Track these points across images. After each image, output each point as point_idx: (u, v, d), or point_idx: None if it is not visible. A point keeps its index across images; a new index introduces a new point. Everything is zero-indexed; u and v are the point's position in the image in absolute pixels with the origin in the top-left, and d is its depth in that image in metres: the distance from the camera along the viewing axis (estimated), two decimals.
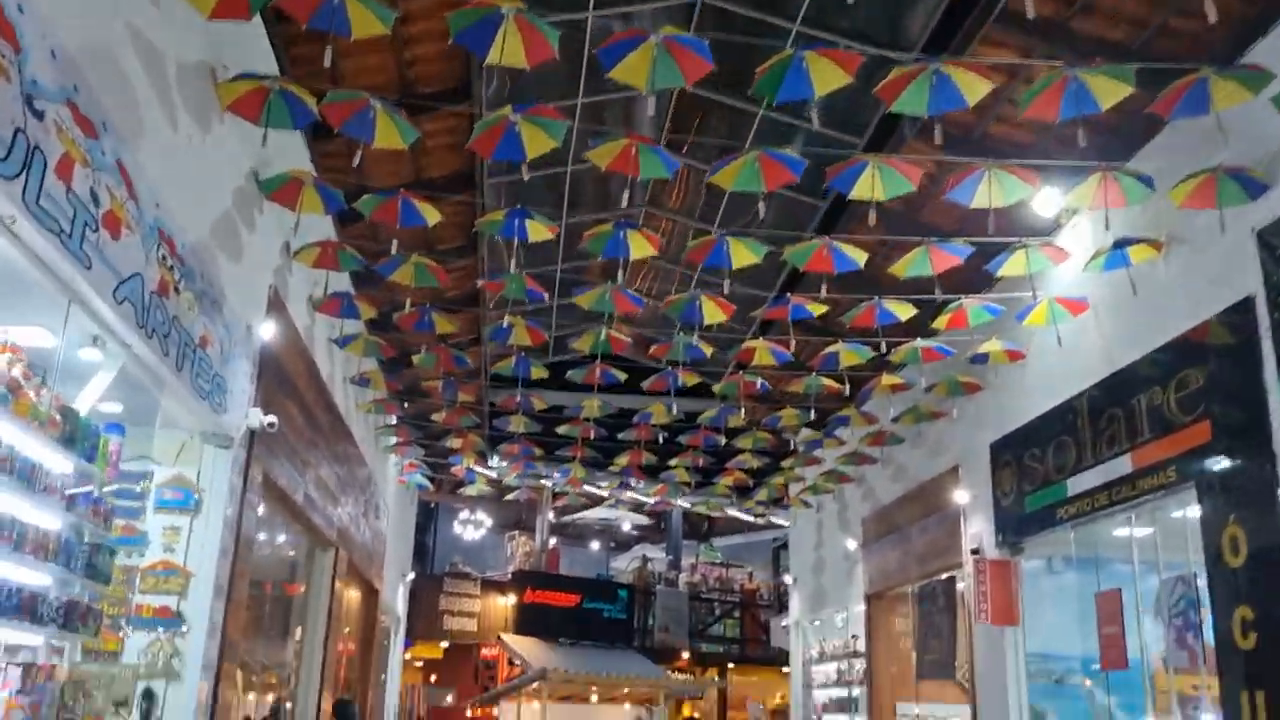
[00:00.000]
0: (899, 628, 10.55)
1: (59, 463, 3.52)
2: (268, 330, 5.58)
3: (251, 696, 8.01)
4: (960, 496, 8.56)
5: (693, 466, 10.90)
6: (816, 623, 13.49)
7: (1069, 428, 6.93)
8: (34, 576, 3.42)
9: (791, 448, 11.91)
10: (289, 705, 8.05)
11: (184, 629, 4.95)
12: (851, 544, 11.44)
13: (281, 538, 7.64)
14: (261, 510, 6.04)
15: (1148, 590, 6.58)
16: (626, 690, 17.11)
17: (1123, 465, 6.27)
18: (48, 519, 3.46)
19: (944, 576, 9.05)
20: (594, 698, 17.30)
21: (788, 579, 14.42)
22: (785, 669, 23.68)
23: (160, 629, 4.92)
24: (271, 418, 5.49)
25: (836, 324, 7.23)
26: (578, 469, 11.20)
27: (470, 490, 13.43)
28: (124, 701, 4.81)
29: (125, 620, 4.91)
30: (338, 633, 9.06)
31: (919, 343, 7.28)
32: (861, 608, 11.33)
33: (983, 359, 7.43)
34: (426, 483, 13.51)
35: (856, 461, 10.66)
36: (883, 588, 10.58)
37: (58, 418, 3.45)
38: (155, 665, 4.87)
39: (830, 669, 12.59)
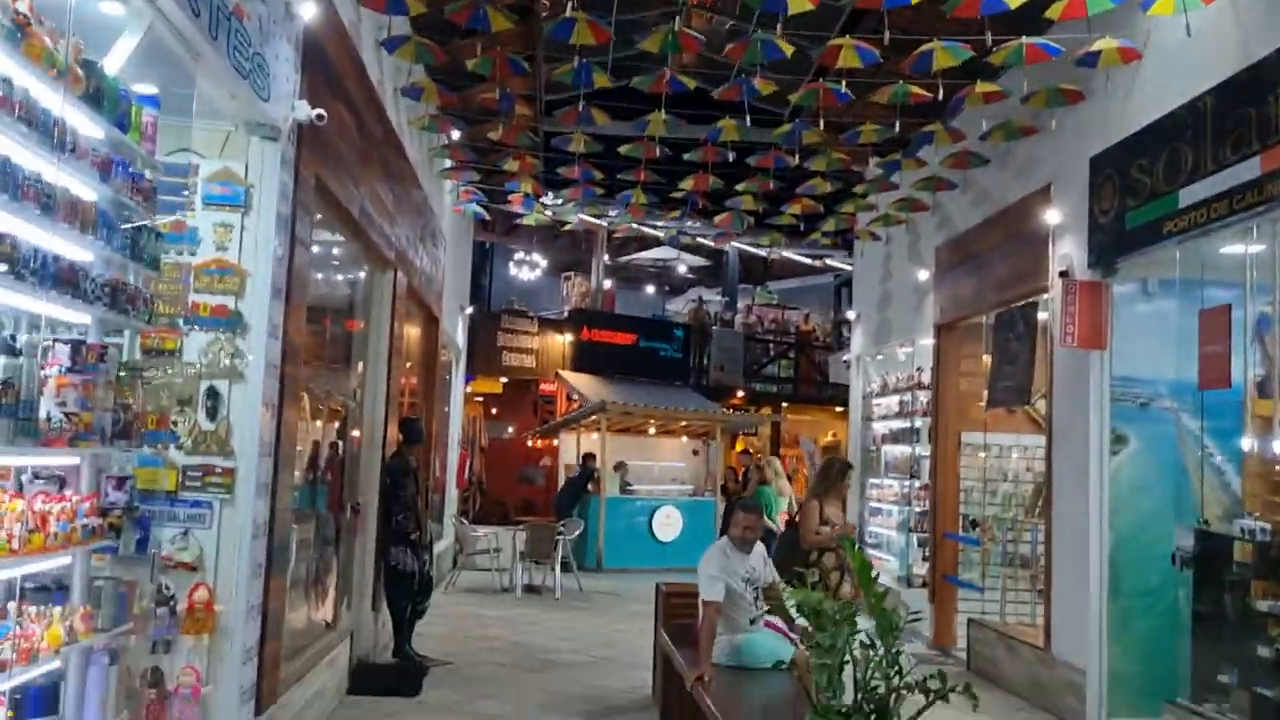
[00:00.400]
0: (968, 359, 10.29)
1: (85, 124, 3.14)
2: (308, 10, 5.05)
3: (319, 424, 8.04)
4: (1051, 217, 8.02)
5: (760, 192, 10.38)
6: (879, 357, 13.31)
7: (1187, 133, 6.28)
8: (71, 248, 3.11)
9: (866, 177, 11.31)
10: (355, 434, 8.07)
11: (244, 329, 4.74)
12: (923, 275, 11.03)
13: (337, 253, 7.38)
14: (316, 218, 5.72)
15: (1256, 312, 6.18)
16: (684, 424, 17.39)
17: (1249, 170, 5.68)
18: (79, 185, 3.12)
19: (1024, 303, 8.66)
20: (651, 430, 17.62)
21: (850, 314, 14.14)
22: (838, 408, 24.03)
23: (219, 329, 4.71)
24: (320, 111, 5.06)
25: (935, 15, 6.49)
26: (639, 195, 10.74)
27: (527, 220, 13.08)
28: (188, 400, 4.69)
29: (182, 320, 4.70)
30: (400, 363, 8.98)
31: (1024, 40, 6.55)
32: (929, 341, 11.05)
33: (1092, 60, 6.69)
34: (483, 212, 13.16)
35: (934, 187, 10.07)
36: (954, 318, 10.25)
37: (79, 71, 3.04)
38: (217, 365, 4.70)
39: (892, 402, 12.52)
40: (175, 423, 4.65)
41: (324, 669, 6.46)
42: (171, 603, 4.53)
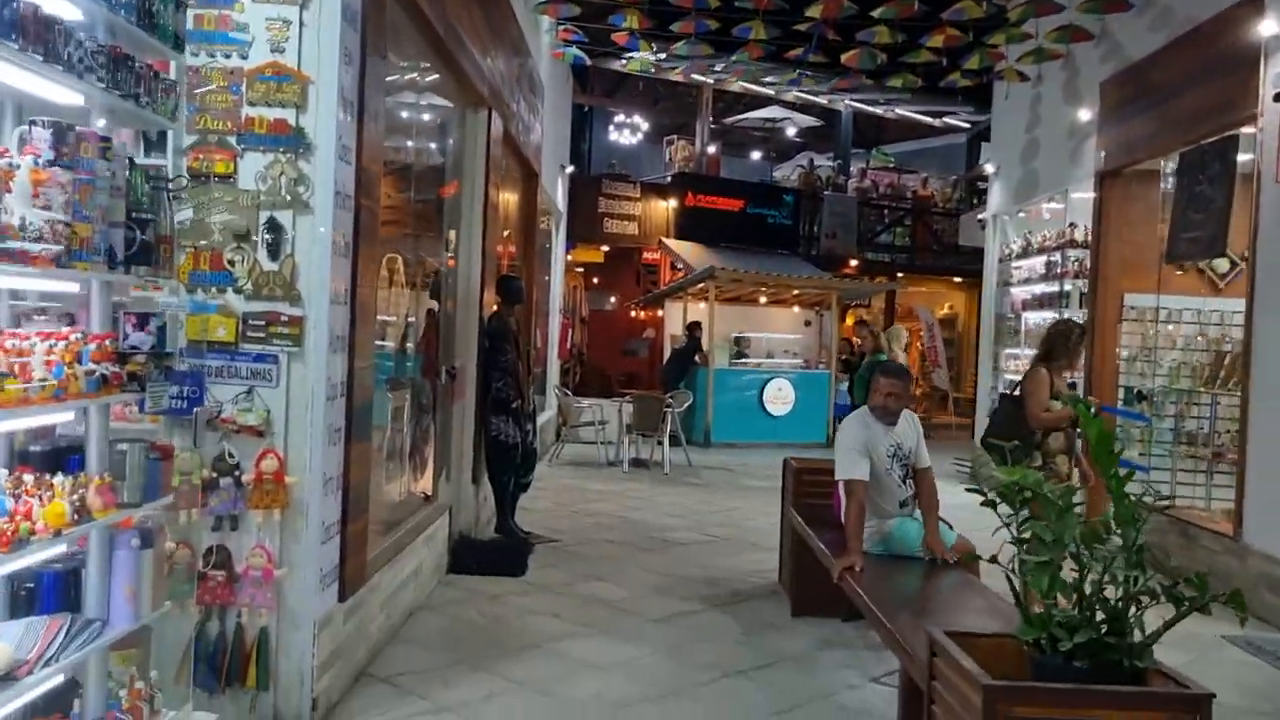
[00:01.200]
0: (1138, 209, 9.00)
1: None
2: None
3: (408, 291, 7.34)
4: (1265, 28, 6.65)
5: (898, 19, 9.08)
6: (1020, 214, 12.02)
7: None
8: None
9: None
10: (450, 304, 7.31)
11: (308, 149, 3.92)
12: (1083, 116, 9.67)
13: (422, 81, 6.49)
14: (391, 23, 4.82)
15: None
16: (796, 292, 16.35)
17: None
18: None
19: (1219, 138, 7.35)
20: (762, 300, 16.64)
21: (988, 168, 12.79)
22: (956, 279, 22.68)
23: (279, 148, 3.90)
24: None
25: None
26: (759, 28, 9.52)
27: (631, 65, 11.98)
28: (245, 235, 3.92)
29: (235, 138, 3.90)
30: (497, 217, 8.15)
31: None
32: (1086, 193, 9.77)
33: None
34: (583, 56, 12.06)
35: (1103, 9, 8.65)
36: (1122, 163, 8.93)
37: None
38: (277, 192, 3.90)
39: (1036, 263, 11.28)
40: (232, 262, 3.90)
41: (421, 546, 5.85)
42: (237, 473, 3.86)
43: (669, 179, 20.50)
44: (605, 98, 24.10)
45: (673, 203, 19.35)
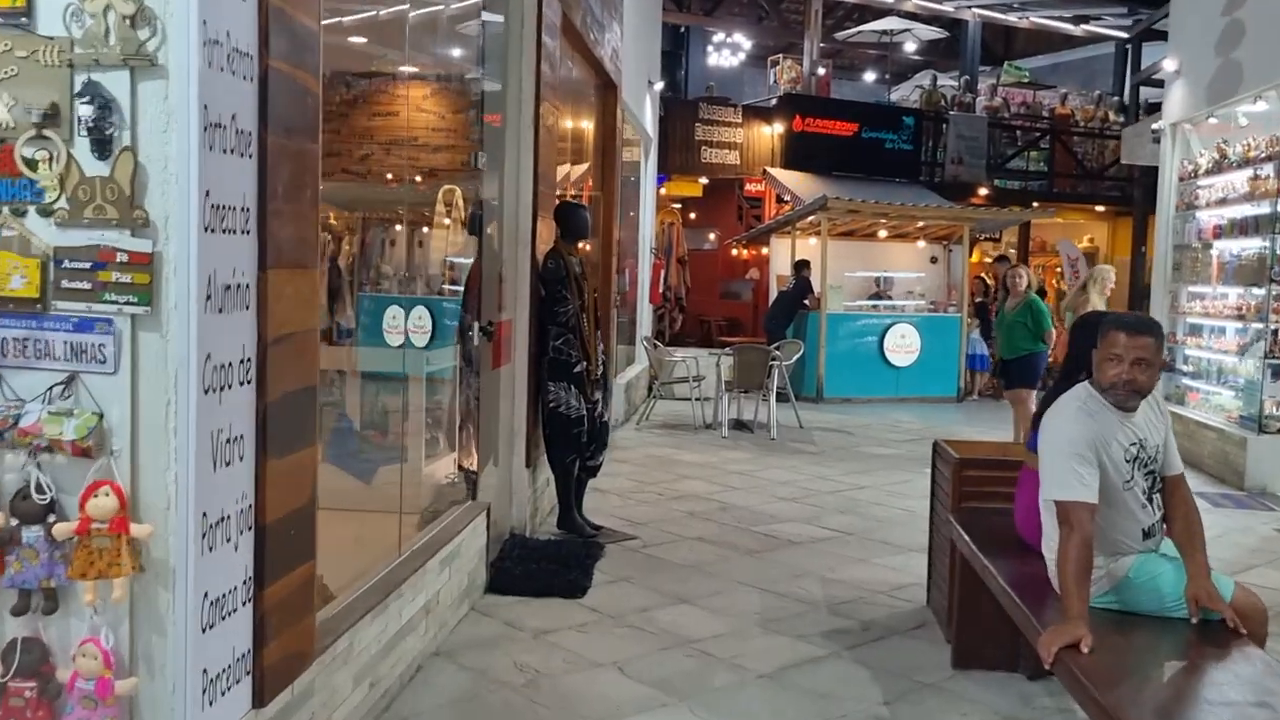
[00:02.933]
0: None
1: None
2: None
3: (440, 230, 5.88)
4: None
5: None
6: (1213, 119, 9.77)
7: None
8: None
9: None
10: (490, 230, 5.70)
11: None
12: None
13: None
14: None
15: None
16: (921, 224, 14.26)
17: None
18: None
19: None
20: (881, 234, 14.62)
21: (1166, 65, 10.50)
22: (1099, 207, 20.12)
23: None
24: None
25: None
26: None
27: None
28: (54, 115, 2.31)
29: None
30: (554, 127, 6.48)
31: None
32: None
33: None
34: None
35: None
36: None
37: None
38: (100, 39, 2.27)
39: (1235, 180, 9.07)
40: (30, 163, 2.30)
41: (435, 571, 4.27)
42: (51, 519, 2.31)
43: (774, 102, 18.46)
44: (703, 16, 22.07)
45: (778, 128, 17.36)
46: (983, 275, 14.91)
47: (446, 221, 6.21)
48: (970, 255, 16.90)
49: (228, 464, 2.50)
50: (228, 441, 2.49)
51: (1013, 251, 19.45)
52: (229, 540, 2.52)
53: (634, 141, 12.29)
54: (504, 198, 5.78)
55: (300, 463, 2.86)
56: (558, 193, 6.50)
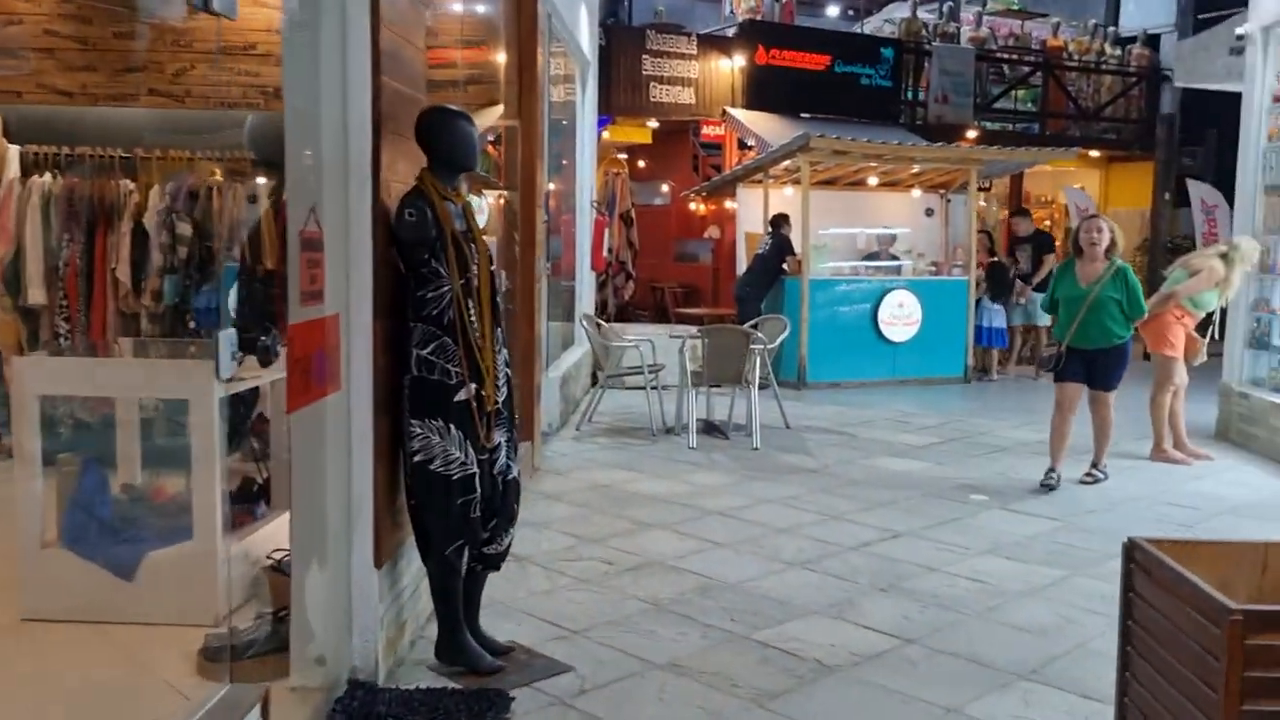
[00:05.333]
0: None
1: None
2: None
3: None
4: None
5: None
6: None
7: None
8: None
9: None
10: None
11: None
12: None
13: None
14: None
15: None
16: (916, 169, 11.86)
17: None
18: None
19: None
20: (872, 180, 12.19)
21: None
22: (1093, 152, 17.92)
23: None
24: None
25: None
26: None
27: None
28: None
29: None
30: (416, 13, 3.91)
31: None
32: None
33: None
34: None
35: None
36: None
37: None
38: None
39: None
40: None
41: None
42: None
43: (733, 32, 15.89)
44: None
45: (739, 61, 14.80)
46: (987, 230, 12.58)
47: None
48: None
49: None
50: None
51: (995, 207, 17.26)
52: None
53: (565, 68, 9.73)
54: (321, 99, 3.24)
55: None
56: (424, 96, 3.94)
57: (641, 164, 16.32)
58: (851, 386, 10.65)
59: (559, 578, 4.69)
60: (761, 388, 8.19)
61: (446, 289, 3.41)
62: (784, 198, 11.71)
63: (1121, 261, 6.35)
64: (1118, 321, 6.25)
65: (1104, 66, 18.09)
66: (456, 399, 3.44)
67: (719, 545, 5.26)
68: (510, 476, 3.71)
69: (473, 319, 3.49)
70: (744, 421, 8.11)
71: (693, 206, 15.62)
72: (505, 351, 3.73)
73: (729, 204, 13.68)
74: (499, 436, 3.63)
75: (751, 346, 7.91)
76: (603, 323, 9.48)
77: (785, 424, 8.46)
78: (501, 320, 3.72)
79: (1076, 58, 18.10)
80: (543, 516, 5.65)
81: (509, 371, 3.74)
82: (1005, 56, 17.90)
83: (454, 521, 3.48)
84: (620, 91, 14.17)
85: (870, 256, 12.03)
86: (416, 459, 3.45)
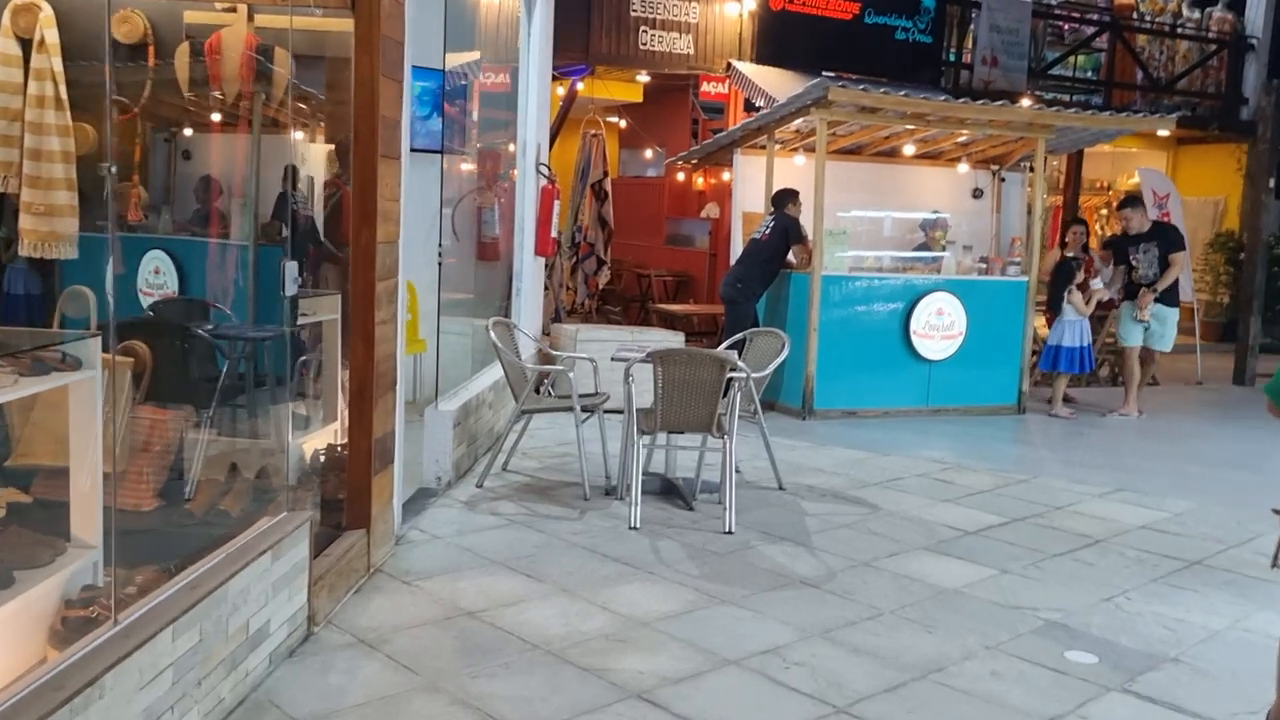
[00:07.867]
0: None
1: None
2: None
3: None
4: None
5: None
6: None
7: None
8: None
9: None
10: None
11: None
12: None
13: None
14: None
15: None
16: (964, 136, 9.27)
17: None
18: None
19: None
20: (908, 149, 9.61)
21: None
22: (1161, 132, 15.32)
23: None
24: None
25: None
26: None
27: None
28: None
29: None
30: None
31: None
32: None
33: None
34: None
35: None
36: None
37: None
38: None
39: None
40: None
41: None
42: None
43: None
44: None
45: (749, 5, 12.24)
46: (1082, 220, 10.02)
47: None
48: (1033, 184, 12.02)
49: None
50: None
51: (1041, 190, 14.65)
52: None
53: None
54: None
55: None
56: None
57: (624, 123, 13.77)
58: (872, 416, 8.15)
59: None
60: (744, 418, 5.72)
61: None
62: (793, 168, 9.15)
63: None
64: None
65: (1181, 31, 15.46)
66: None
67: None
68: None
69: None
70: (714, 484, 5.64)
71: (683, 178, 13.06)
72: None
73: (726, 176, 11.12)
74: None
75: (730, 376, 5.40)
76: (564, 325, 6.95)
77: (778, 483, 5.98)
78: None
79: (1150, 19, 15.47)
80: (326, 696, 3.19)
81: None
82: (1067, 14, 15.26)
83: None
84: (602, 35, 11.66)
85: (920, 248, 9.51)
86: None
